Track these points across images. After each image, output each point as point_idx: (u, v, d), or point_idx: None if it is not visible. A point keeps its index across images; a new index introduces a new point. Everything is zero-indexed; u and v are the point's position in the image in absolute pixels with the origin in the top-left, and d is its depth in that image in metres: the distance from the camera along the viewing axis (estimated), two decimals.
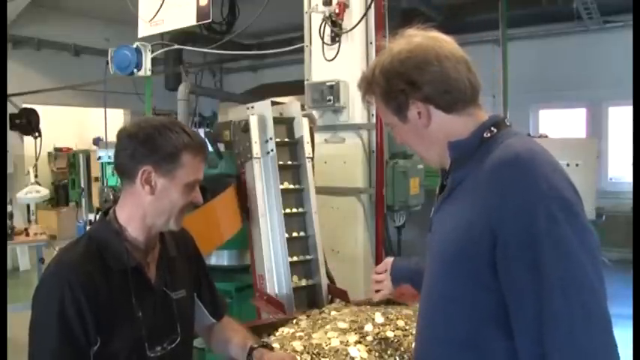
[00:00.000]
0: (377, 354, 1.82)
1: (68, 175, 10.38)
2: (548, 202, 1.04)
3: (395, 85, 1.21)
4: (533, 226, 1.03)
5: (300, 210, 2.61)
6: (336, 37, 3.28)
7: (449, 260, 1.17)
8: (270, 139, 2.53)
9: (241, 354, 1.61)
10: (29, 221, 6.86)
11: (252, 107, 2.61)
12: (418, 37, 1.23)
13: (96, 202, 8.02)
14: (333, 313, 2.25)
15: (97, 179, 8.65)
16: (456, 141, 1.21)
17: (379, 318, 2.09)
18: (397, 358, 1.81)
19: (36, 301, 1.34)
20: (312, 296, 2.56)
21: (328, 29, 3.28)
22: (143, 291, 1.40)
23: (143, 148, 1.37)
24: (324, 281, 2.57)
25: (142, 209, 1.41)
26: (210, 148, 2.90)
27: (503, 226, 1.06)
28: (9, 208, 5.10)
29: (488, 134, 1.19)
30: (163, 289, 1.47)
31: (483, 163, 1.13)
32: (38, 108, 7.94)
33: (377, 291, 1.91)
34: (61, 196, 10.47)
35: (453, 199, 1.21)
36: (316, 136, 3.00)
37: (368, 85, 1.28)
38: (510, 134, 1.18)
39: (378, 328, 2.01)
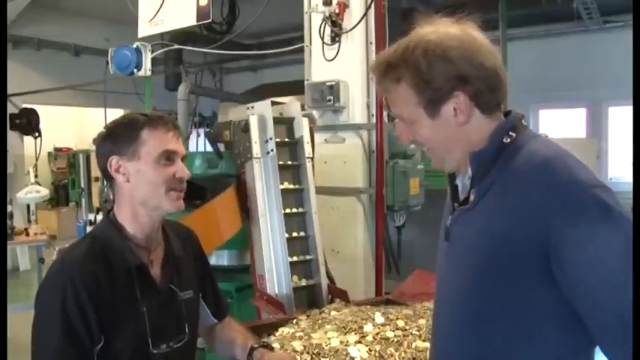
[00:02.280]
0: (377, 354, 1.82)
1: (68, 175, 10.38)
2: (592, 190, 0.99)
3: (440, 74, 1.07)
4: (585, 216, 0.97)
5: (300, 210, 2.61)
6: (336, 37, 3.28)
7: (486, 274, 1.08)
8: (270, 139, 2.53)
9: (242, 354, 1.61)
10: (29, 221, 6.85)
11: (252, 107, 2.61)
12: (458, 27, 1.11)
13: (96, 202, 8.01)
14: (333, 313, 2.25)
15: (97, 179, 8.63)
16: (477, 152, 1.11)
17: (379, 318, 2.09)
18: (397, 358, 1.81)
19: (39, 300, 1.34)
20: (312, 296, 2.56)
21: (328, 29, 3.28)
22: (147, 289, 1.40)
23: (106, 142, 1.42)
24: (324, 281, 2.57)
25: (129, 202, 1.42)
26: (210, 148, 2.90)
27: (551, 232, 0.99)
28: (9, 208, 5.10)
29: (508, 139, 1.10)
30: (170, 287, 1.46)
31: (507, 171, 1.08)
32: (38, 108, 7.93)
33: None
34: (61, 196, 10.46)
35: (479, 211, 1.11)
36: (316, 136, 3.00)
37: (391, 68, 1.11)
38: (530, 137, 1.11)
39: (378, 328, 2.01)
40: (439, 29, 1.10)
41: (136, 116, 1.43)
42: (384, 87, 1.15)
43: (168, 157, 1.40)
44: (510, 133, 1.11)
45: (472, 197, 1.13)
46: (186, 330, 1.48)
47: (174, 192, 1.41)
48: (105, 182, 4.83)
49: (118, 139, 1.40)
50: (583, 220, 0.98)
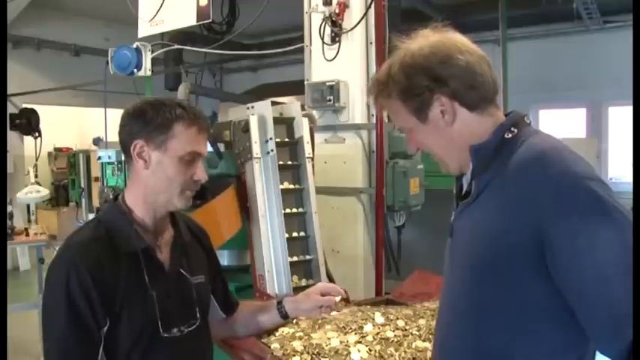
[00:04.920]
0: (377, 354, 1.82)
1: (68, 175, 10.37)
2: (586, 182, 1.00)
3: (418, 82, 1.15)
4: (577, 208, 0.98)
5: (300, 210, 2.61)
6: (336, 37, 3.28)
7: (482, 268, 1.10)
8: (270, 139, 2.53)
9: (269, 314, 1.71)
10: (29, 221, 6.85)
11: (252, 107, 2.61)
12: (435, 36, 1.18)
13: (96, 202, 8.00)
14: (333, 313, 2.25)
15: (97, 179, 8.63)
16: (477, 145, 1.15)
17: (379, 318, 2.10)
18: (397, 358, 1.81)
19: (46, 285, 1.36)
20: None
21: (328, 29, 3.28)
22: (155, 273, 1.40)
23: (136, 122, 1.39)
24: (324, 281, 2.57)
25: (143, 187, 1.41)
26: (210, 148, 2.90)
27: (544, 223, 1.00)
28: (9, 208, 5.09)
29: (509, 135, 1.14)
30: (180, 271, 1.46)
31: (507, 165, 1.09)
32: (38, 108, 7.93)
33: None
34: (61, 196, 10.46)
35: (479, 205, 1.14)
36: (316, 136, 3.00)
37: (382, 86, 1.21)
38: (531, 133, 1.14)
39: (378, 328, 2.01)
40: (416, 42, 1.19)
41: (173, 104, 1.40)
42: (380, 104, 1.25)
43: (193, 157, 1.41)
44: (512, 129, 1.15)
45: (472, 190, 1.16)
46: (198, 315, 1.48)
47: (187, 191, 1.43)
48: (106, 181, 4.82)
49: (150, 122, 1.37)
50: (575, 211, 0.99)
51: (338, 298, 1.69)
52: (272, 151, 2.52)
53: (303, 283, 2.55)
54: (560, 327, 1.06)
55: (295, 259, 2.52)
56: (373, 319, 2.08)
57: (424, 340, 1.89)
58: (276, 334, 2.04)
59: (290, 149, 2.66)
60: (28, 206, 7.09)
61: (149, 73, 3.72)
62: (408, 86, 1.16)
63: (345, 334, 1.96)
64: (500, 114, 1.20)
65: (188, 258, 1.50)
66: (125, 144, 1.40)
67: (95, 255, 1.33)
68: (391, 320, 2.08)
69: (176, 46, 4.69)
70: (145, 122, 1.37)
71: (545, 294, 1.04)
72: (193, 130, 1.40)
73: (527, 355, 1.08)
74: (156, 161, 1.38)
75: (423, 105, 1.16)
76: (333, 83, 3.30)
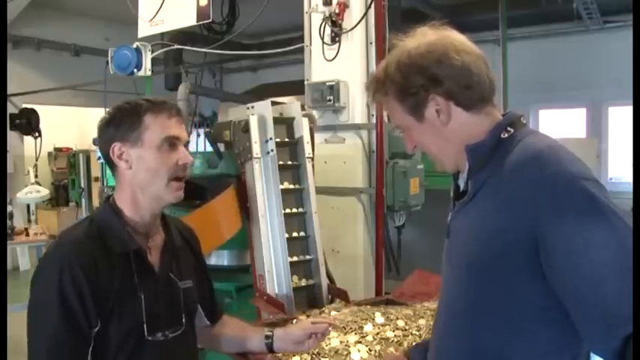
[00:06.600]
0: (377, 354, 1.82)
1: (68, 175, 10.36)
2: (581, 182, 1.00)
3: (414, 81, 1.15)
4: (573, 208, 0.98)
5: (300, 210, 2.61)
6: (336, 37, 3.28)
7: (478, 268, 1.10)
8: (270, 139, 2.53)
9: (258, 343, 1.66)
10: (29, 221, 6.86)
11: (252, 107, 2.61)
12: (433, 34, 1.18)
13: (96, 202, 8.02)
14: (333, 313, 2.26)
15: (97, 179, 8.65)
16: (473, 144, 1.15)
17: (379, 318, 2.10)
18: None
19: (35, 281, 1.33)
20: (312, 296, 2.56)
21: (328, 29, 3.28)
22: (145, 275, 1.40)
23: (109, 128, 1.42)
24: (324, 281, 2.57)
25: (130, 190, 1.42)
26: (210, 148, 2.90)
27: (540, 222, 1.00)
28: (9, 208, 5.10)
29: (505, 134, 1.14)
30: (169, 275, 1.46)
31: (503, 165, 1.09)
32: (38, 108, 7.92)
33: None
34: (61, 196, 10.43)
35: (474, 205, 1.14)
36: (316, 136, 3.00)
37: (379, 84, 1.22)
38: (527, 133, 1.14)
39: (378, 328, 2.01)
40: (413, 40, 1.19)
41: (138, 101, 1.43)
42: (378, 100, 1.27)
43: (171, 143, 1.40)
44: (508, 128, 1.15)
45: (469, 190, 1.16)
46: (183, 320, 1.47)
47: (175, 182, 1.41)
48: (106, 181, 4.82)
49: (121, 125, 1.40)
50: (570, 212, 0.99)
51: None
52: (272, 151, 2.52)
53: (303, 283, 2.55)
54: (555, 326, 1.06)
55: (295, 259, 2.53)
56: (373, 319, 2.09)
57: None
58: None
59: (290, 149, 2.66)
60: (28, 206, 7.09)
61: (149, 73, 3.72)
62: (404, 85, 1.17)
63: (345, 334, 1.97)
64: (497, 113, 1.20)
65: (178, 262, 1.50)
66: (105, 152, 1.42)
67: (89, 254, 1.32)
68: (391, 320, 2.08)
69: (176, 46, 4.69)
70: (116, 126, 1.40)
71: (540, 293, 1.04)
72: (163, 117, 1.41)
73: (522, 355, 1.08)
74: (136, 157, 1.39)
75: (418, 104, 1.17)
76: (333, 83, 3.30)
